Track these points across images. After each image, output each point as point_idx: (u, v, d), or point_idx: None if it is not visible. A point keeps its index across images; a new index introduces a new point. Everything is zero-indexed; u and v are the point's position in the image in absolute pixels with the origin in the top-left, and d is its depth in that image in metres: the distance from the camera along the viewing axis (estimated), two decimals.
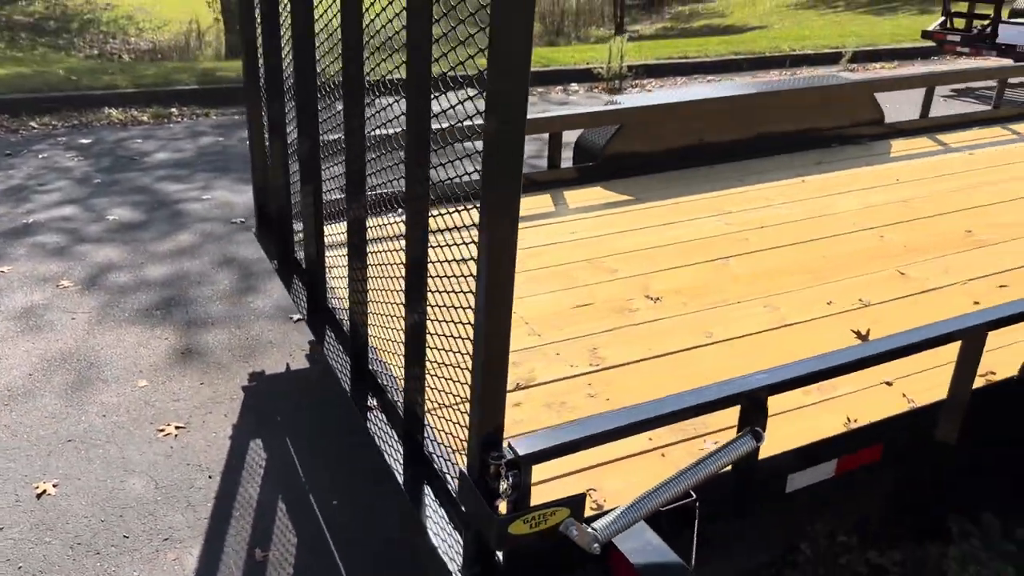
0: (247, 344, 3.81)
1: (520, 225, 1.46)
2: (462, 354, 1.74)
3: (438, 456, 2.11)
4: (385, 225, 2.40)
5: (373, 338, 2.54)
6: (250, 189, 3.77)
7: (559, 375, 2.50)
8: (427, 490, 2.08)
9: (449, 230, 1.80)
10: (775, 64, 11.37)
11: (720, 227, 3.72)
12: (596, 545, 1.64)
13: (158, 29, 14.79)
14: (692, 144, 4.51)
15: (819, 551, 2.52)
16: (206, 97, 8.63)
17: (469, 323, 1.62)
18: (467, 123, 1.59)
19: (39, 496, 2.80)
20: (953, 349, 2.10)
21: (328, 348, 2.85)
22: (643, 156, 4.39)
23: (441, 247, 1.87)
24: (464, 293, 1.69)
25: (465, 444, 1.73)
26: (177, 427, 3.18)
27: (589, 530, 1.65)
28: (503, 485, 1.62)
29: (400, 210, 2.25)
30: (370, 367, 2.57)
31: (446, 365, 1.95)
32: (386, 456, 2.22)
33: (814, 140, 4.84)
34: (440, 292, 1.90)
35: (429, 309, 1.98)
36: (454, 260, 1.75)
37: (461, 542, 1.88)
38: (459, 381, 1.90)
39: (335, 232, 2.91)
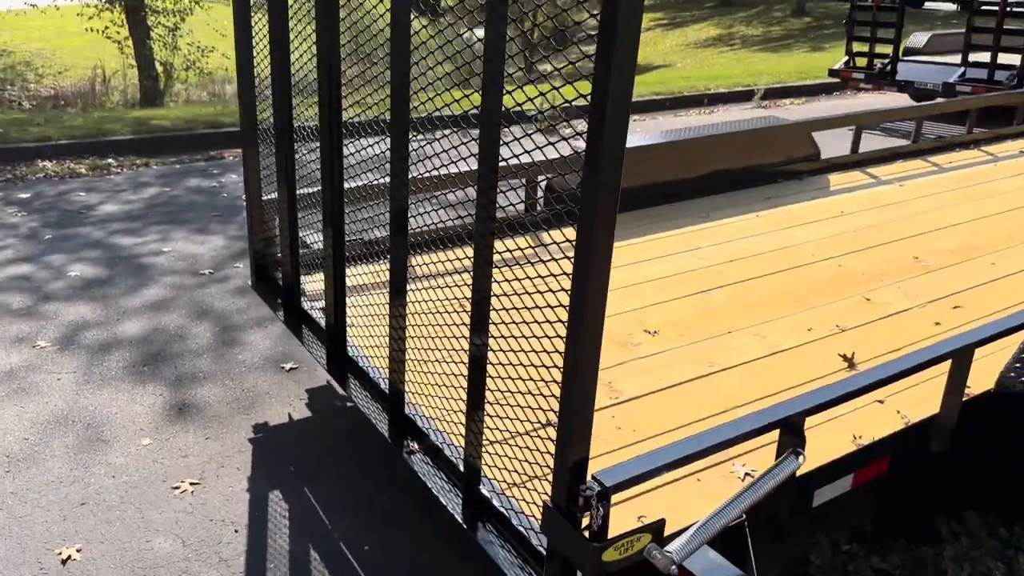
0: (244, 396, 3.84)
1: None
2: (533, 393, 1.90)
3: (497, 495, 2.24)
4: (426, 264, 2.55)
5: (412, 382, 2.64)
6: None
7: None
8: (487, 529, 2.21)
9: (509, 266, 1.97)
10: (694, 103, 11.95)
11: (694, 262, 3.98)
12: (674, 567, 1.82)
13: (59, 75, 14.38)
14: (651, 183, 4.79)
15: (827, 560, 2.75)
16: (143, 147, 8.53)
17: (539, 363, 1.77)
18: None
19: (64, 562, 2.78)
20: (933, 367, 2.35)
21: (355, 394, 2.93)
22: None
23: (507, 282, 2.02)
24: (542, 332, 1.83)
25: (523, 479, 1.88)
26: (192, 483, 3.20)
27: (667, 553, 1.82)
28: (592, 515, 1.77)
29: (440, 249, 2.39)
30: (406, 411, 2.68)
31: (511, 404, 2.09)
32: (441, 498, 2.34)
33: (761, 177, 5.20)
34: (508, 326, 2.04)
35: (492, 343, 2.12)
36: (526, 293, 1.91)
37: (533, 574, 2.02)
38: (522, 419, 2.05)
39: (358, 273, 3.03)
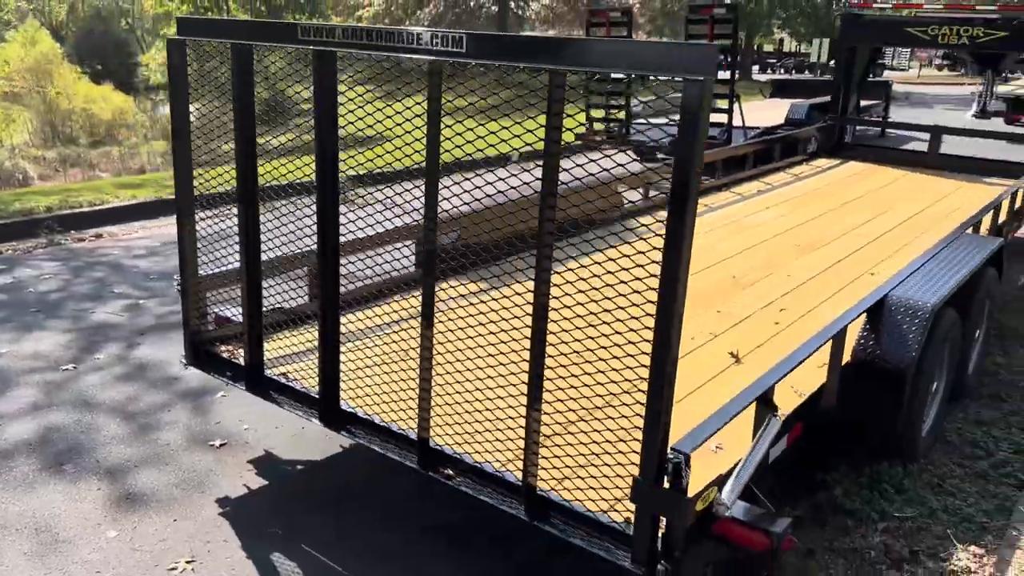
0: (188, 477, 3.86)
1: None
2: (612, 381, 2.44)
3: (556, 491, 2.71)
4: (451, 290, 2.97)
5: (439, 415, 3.01)
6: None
7: None
8: (552, 523, 2.68)
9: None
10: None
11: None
12: (728, 512, 2.46)
13: None
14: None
15: None
16: None
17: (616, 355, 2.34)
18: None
19: None
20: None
21: (361, 440, 3.19)
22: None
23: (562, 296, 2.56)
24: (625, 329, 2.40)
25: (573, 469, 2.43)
26: (187, 561, 3.25)
27: (723, 499, 2.46)
28: (684, 478, 2.35)
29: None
30: (431, 443, 3.03)
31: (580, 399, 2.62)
32: (502, 507, 2.76)
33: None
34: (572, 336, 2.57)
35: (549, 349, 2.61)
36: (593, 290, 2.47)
37: (612, 546, 2.54)
38: (589, 408, 2.58)
39: (353, 321, 3.34)
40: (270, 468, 3.97)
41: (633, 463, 2.48)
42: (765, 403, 2.82)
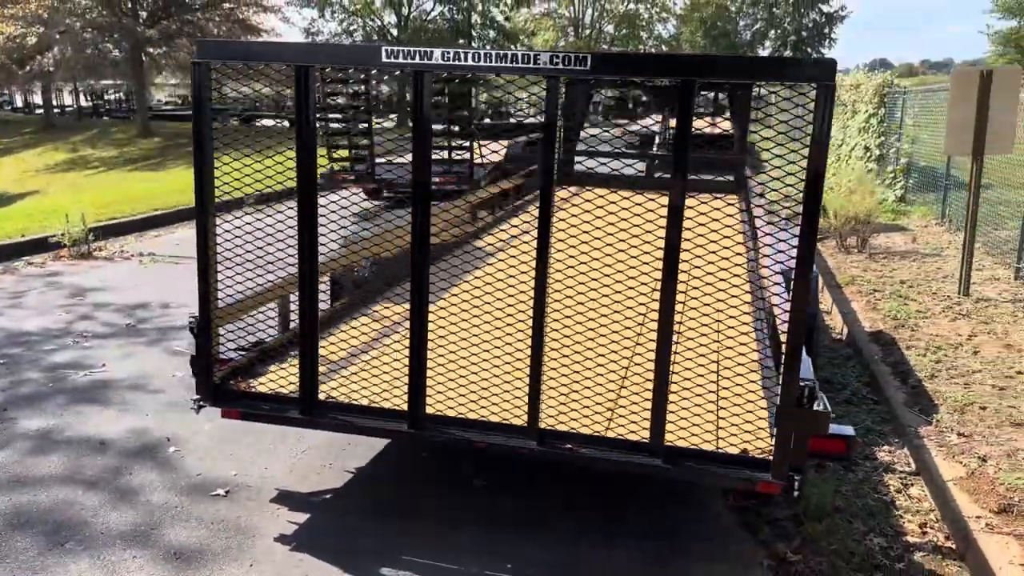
0: (221, 527, 3.63)
1: None
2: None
3: (687, 437, 3.19)
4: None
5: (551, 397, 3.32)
6: None
7: None
8: (686, 466, 3.17)
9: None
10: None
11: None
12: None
13: None
14: None
15: None
16: None
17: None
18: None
19: None
20: None
21: (457, 436, 3.36)
22: None
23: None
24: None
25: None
26: None
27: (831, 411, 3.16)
28: (815, 399, 3.00)
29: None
30: (539, 424, 3.30)
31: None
32: (633, 460, 3.16)
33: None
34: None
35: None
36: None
37: (750, 472, 3.10)
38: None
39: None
40: (300, 501, 3.85)
41: (752, 409, 3.09)
42: None
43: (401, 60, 3.17)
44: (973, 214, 7.38)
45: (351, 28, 42.66)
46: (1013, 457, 4.14)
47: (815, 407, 3.00)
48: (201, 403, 3.64)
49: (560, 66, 3.01)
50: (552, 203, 3.14)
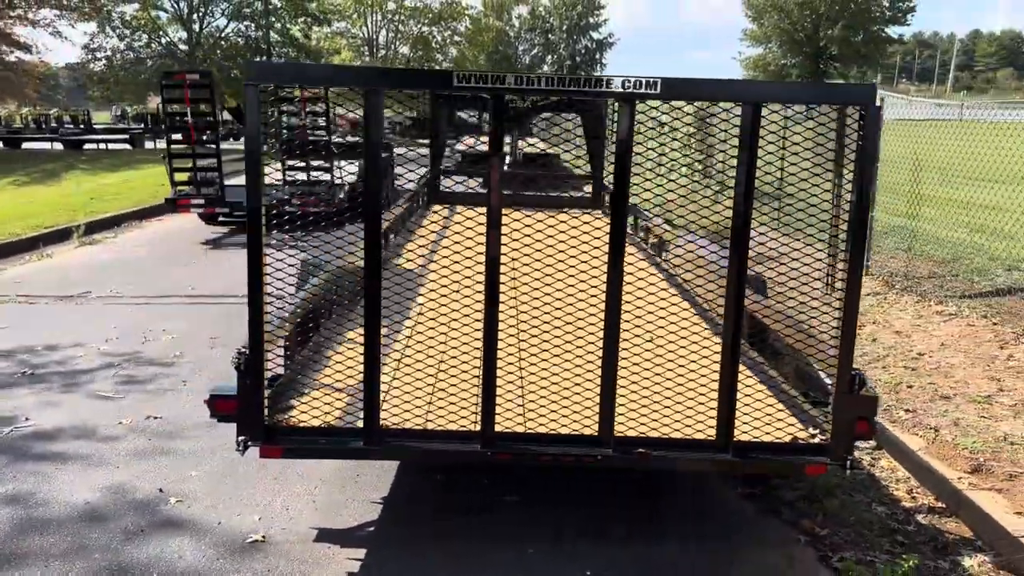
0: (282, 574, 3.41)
1: None
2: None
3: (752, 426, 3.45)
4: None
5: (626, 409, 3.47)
6: None
7: None
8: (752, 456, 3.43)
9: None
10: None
11: None
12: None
13: None
14: None
15: None
16: None
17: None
18: None
19: None
20: None
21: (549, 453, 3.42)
22: None
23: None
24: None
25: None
26: None
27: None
28: (865, 385, 3.37)
29: None
30: (614, 434, 3.44)
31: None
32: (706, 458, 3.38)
33: None
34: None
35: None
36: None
37: (809, 457, 3.42)
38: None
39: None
40: (345, 538, 3.72)
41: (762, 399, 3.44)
42: None
43: (473, 84, 3.21)
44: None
45: (136, 44, 40.16)
46: (959, 425, 4.79)
47: (865, 390, 3.37)
48: (248, 443, 3.43)
49: (632, 90, 3.19)
50: (625, 225, 3.30)
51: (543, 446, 3.48)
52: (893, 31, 53.21)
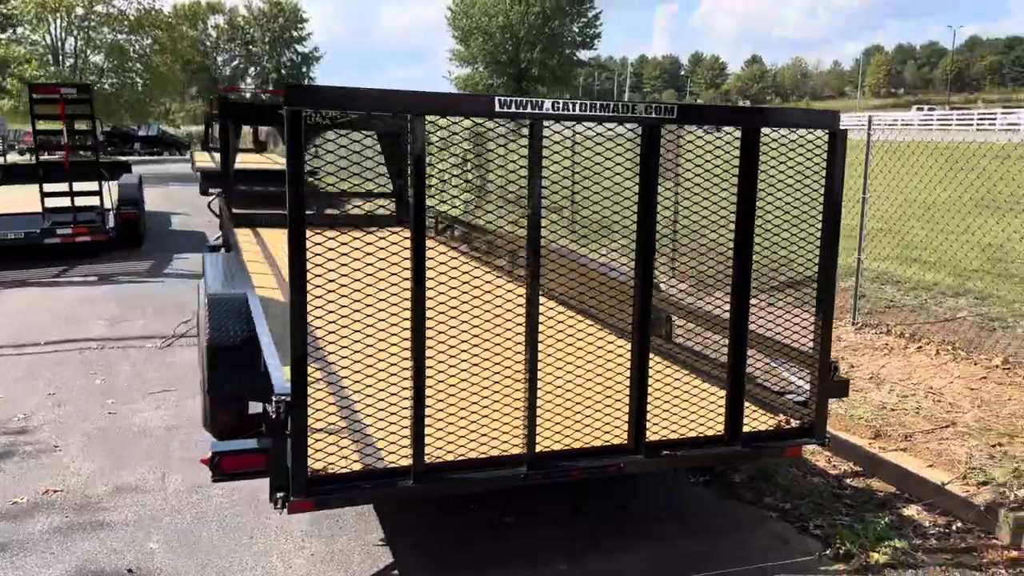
0: None
1: None
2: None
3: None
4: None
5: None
6: None
7: None
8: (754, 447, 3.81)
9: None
10: None
11: None
12: None
13: None
14: None
15: None
16: None
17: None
18: None
19: None
20: None
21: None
22: None
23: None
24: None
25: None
26: None
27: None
28: (838, 371, 3.89)
29: None
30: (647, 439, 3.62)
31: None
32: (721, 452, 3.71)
33: None
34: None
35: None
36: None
37: (796, 439, 3.87)
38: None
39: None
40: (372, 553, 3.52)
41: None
42: None
43: (514, 110, 3.24)
44: None
45: None
46: (843, 401, 5.57)
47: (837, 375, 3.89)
48: (290, 498, 3.14)
49: (653, 115, 3.43)
50: (654, 246, 3.52)
51: (578, 461, 3.58)
52: (584, 55, 57.96)
